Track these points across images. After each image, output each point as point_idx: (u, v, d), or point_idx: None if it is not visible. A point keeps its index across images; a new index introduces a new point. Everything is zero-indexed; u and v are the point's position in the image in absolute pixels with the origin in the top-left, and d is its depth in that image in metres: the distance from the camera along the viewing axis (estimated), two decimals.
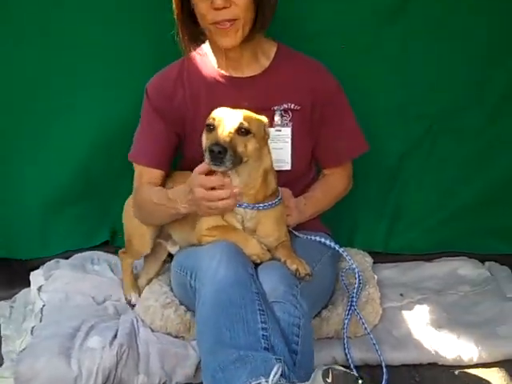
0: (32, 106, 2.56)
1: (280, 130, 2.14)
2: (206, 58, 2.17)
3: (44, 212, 2.68)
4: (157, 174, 2.19)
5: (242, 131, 1.84)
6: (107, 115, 2.58)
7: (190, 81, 2.15)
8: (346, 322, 2.10)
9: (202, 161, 2.06)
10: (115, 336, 2.03)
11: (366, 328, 2.08)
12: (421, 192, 2.69)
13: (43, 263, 2.61)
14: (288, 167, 2.18)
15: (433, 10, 2.49)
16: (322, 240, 2.15)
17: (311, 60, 2.21)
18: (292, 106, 2.14)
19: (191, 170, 2.13)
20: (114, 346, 1.98)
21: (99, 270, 2.54)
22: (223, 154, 1.76)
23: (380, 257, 2.64)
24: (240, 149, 1.84)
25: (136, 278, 2.41)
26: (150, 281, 2.36)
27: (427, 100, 2.59)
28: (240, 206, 1.95)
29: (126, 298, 2.35)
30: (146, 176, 2.19)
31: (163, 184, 2.21)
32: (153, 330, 2.11)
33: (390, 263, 2.65)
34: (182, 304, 2.16)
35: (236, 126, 1.84)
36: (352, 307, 2.13)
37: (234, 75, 2.14)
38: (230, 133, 1.82)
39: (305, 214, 2.19)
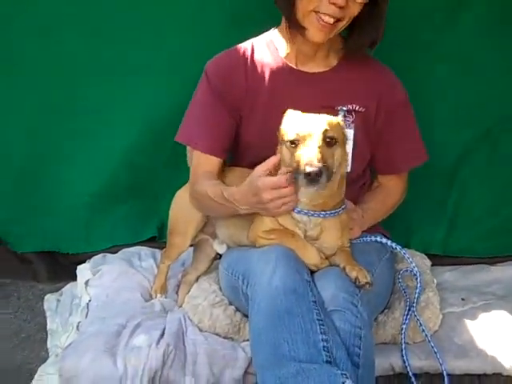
0: (80, 97, 2.55)
1: None
2: (272, 46, 2.06)
3: (90, 206, 2.67)
4: (215, 162, 2.07)
5: (329, 141, 1.72)
6: (153, 106, 2.52)
7: (254, 67, 2.04)
8: (404, 327, 1.97)
9: (257, 147, 2.03)
10: (162, 335, 1.94)
11: (426, 334, 1.96)
12: (481, 193, 2.58)
13: (89, 257, 2.59)
14: (348, 169, 2.05)
15: (497, 8, 2.37)
16: (384, 240, 2.03)
17: (382, 65, 2.12)
18: (356, 108, 2.04)
19: (244, 154, 2.13)
20: (161, 345, 1.89)
21: (146, 266, 2.48)
22: (320, 175, 1.65)
23: (438, 259, 2.52)
24: (330, 162, 1.72)
25: (185, 273, 2.34)
26: (198, 277, 2.28)
27: (488, 101, 2.49)
28: (305, 213, 1.84)
29: (149, 295, 2.29)
30: (202, 164, 2.07)
31: (220, 174, 2.10)
32: (201, 330, 2.01)
33: (449, 266, 2.52)
34: (231, 304, 2.08)
35: (322, 136, 1.71)
36: (411, 311, 2.01)
37: (301, 69, 2.04)
38: (319, 147, 1.69)
39: (363, 226, 2.09)
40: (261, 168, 1.81)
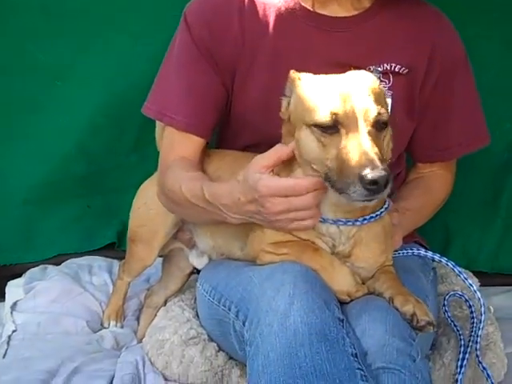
0: (20, 68, 2.16)
1: None
2: None
3: (30, 203, 2.25)
4: (195, 143, 1.59)
5: (382, 125, 1.23)
6: (117, 73, 2.15)
7: (253, 9, 1.57)
8: (460, 377, 1.44)
9: (257, 122, 1.59)
10: None
11: None
12: None
13: (27, 270, 2.15)
14: None
15: None
16: (430, 254, 1.53)
17: (434, 8, 1.64)
18: (396, 68, 1.57)
19: (239, 133, 1.66)
20: None
21: (98, 282, 2.04)
22: (387, 182, 1.17)
23: (485, 278, 2.01)
24: (384, 155, 1.23)
25: (150, 294, 1.94)
26: (167, 299, 1.87)
27: None
28: (334, 222, 1.33)
29: (100, 323, 1.88)
30: (177, 147, 1.60)
31: (201, 161, 1.62)
32: (166, 379, 1.53)
33: (499, 287, 2.08)
34: (212, 340, 1.57)
35: (373, 119, 1.21)
36: (467, 355, 1.48)
37: (320, 12, 1.56)
38: (371, 135, 1.19)
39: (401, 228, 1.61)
40: (262, 161, 1.28)
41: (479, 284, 1.88)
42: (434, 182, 1.73)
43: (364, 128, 1.19)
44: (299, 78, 1.31)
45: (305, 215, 1.26)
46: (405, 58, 1.57)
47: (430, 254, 1.54)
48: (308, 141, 1.24)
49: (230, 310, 1.39)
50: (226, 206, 1.35)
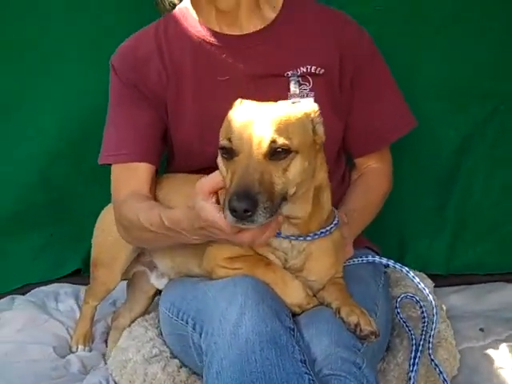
0: None
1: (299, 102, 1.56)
2: (188, 15, 1.65)
3: None
4: (144, 172, 1.62)
5: (279, 151, 1.21)
6: (75, 101, 2.13)
7: (170, 46, 1.64)
8: (413, 375, 1.47)
9: (196, 145, 1.62)
10: None
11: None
12: (491, 192, 2.16)
13: None
14: None
15: None
16: (384, 261, 1.58)
17: (334, 10, 1.71)
18: (313, 70, 1.61)
19: (184, 159, 1.70)
20: None
21: (64, 308, 2.02)
22: (252, 210, 1.16)
23: (440, 280, 2.05)
24: (279, 184, 1.22)
25: (116, 316, 1.91)
26: (133, 321, 1.83)
27: (494, 75, 2.11)
28: (286, 237, 1.36)
29: (69, 348, 1.84)
30: (127, 179, 1.62)
31: (153, 188, 1.65)
32: None
33: (453, 287, 2.09)
34: (174, 357, 1.57)
35: (265, 148, 1.20)
36: (419, 353, 1.50)
37: (228, 32, 1.62)
38: (260, 163, 1.19)
39: (352, 239, 1.62)
40: (203, 187, 1.28)
41: (434, 285, 1.93)
42: (372, 177, 1.75)
43: (254, 157, 1.20)
44: (239, 103, 1.32)
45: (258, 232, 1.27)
46: (317, 59, 1.61)
47: (384, 260, 1.58)
48: (219, 163, 1.27)
49: (187, 323, 1.42)
50: (186, 230, 1.38)
